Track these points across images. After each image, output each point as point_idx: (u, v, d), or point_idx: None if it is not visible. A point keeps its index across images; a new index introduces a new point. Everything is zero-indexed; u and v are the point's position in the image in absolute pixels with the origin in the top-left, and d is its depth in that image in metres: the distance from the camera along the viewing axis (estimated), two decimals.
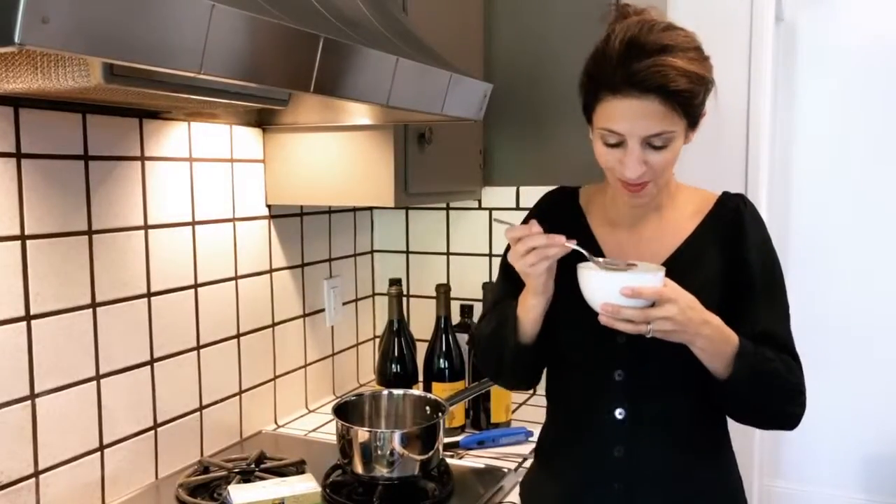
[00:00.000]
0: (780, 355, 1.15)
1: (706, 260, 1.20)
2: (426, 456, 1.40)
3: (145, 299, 1.46)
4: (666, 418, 1.18)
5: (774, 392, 1.15)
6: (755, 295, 1.18)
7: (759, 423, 1.27)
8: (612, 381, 1.18)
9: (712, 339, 1.09)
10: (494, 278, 2.03)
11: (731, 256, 1.19)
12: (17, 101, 1.20)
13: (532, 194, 2.04)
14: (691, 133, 1.17)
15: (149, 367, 1.47)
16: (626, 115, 1.09)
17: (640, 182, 1.14)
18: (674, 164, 1.16)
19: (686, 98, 1.08)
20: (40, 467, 1.27)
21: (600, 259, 1.13)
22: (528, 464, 1.59)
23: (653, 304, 1.05)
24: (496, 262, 2.10)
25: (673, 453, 1.19)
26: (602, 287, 1.07)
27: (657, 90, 1.06)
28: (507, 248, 1.36)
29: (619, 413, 1.18)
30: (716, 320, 1.10)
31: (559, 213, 1.30)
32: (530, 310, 1.19)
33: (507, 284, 1.28)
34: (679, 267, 1.17)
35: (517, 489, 1.47)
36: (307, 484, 1.28)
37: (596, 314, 1.08)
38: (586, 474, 1.22)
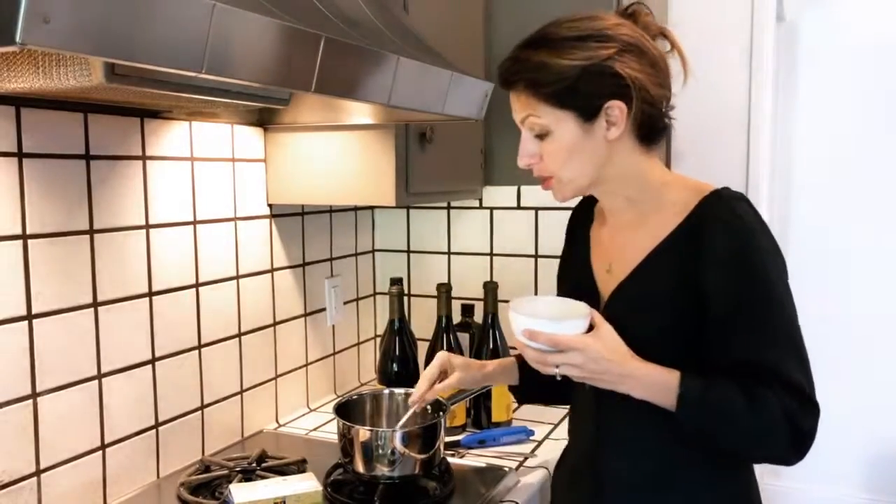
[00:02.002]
0: (758, 392, 1.04)
1: (662, 271, 1.12)
2: (427, 455, 1.40)
3: (147, 298, 1.46)
4: (636, 425, 1.14)
5: (730, 437, 1.08)
6: (721, 317, 1.06)
7: (737, 458, 1.16)
8: (584, 387, 1.18)
9: (640, 389, 1.07)
10: (496, 278, 2.04)
11: (687, 268, 1.08)
12: (18, 101, 1.20)
13: (533, 194, 2.04)
14: (602, 125, 1.09)
15: (150, 367, 1.47)
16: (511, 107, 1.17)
17: (538, 175, 1.17)
18: (576, 158, 1.11)
19: (536, 86, 1.10)
20: (42, 466, 1.27)
21: (548, 297, 1.20)
22: (529, 463, 1.60)
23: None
24: (497, 261, 2.10)
25: (646, 462, 1.14)
26: (514, 326, 1.11)
27: (504, 83, 1.15)
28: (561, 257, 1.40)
29: (592, 422, 1.20)
30: (642, 372, 1.06)
31: (578, 219, 1.35)
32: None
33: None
34: (640, 277, 1.14)
35: (518, 488, 1.48)
36: (308, 483, 1.28)
37: None
38: (569, 476, 1.26)
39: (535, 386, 1.37)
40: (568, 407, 1.35)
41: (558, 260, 1.38)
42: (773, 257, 1.09)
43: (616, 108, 1.09)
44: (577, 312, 1.11)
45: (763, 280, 1.07)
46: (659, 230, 1.14)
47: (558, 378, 1.08)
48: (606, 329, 1.07)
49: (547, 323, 1.07)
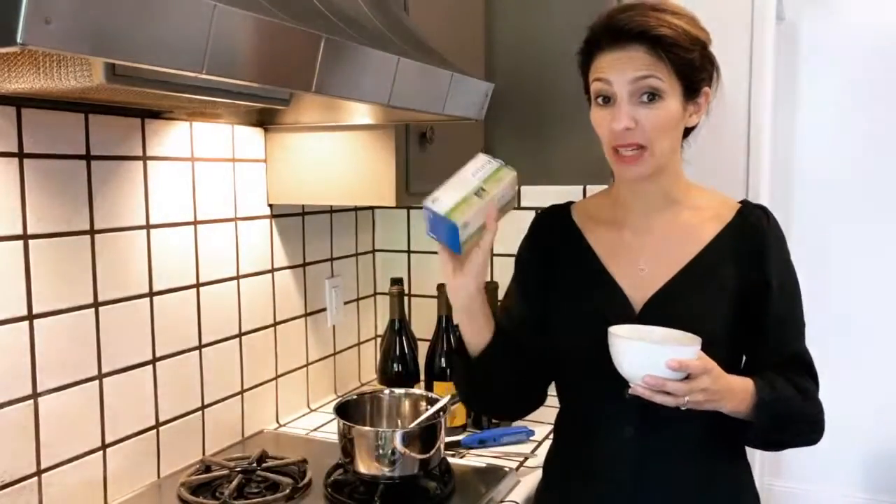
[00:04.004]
0: (801, 383, 1.13)
1: (722, 274, 1.15)
2: (427, 455, 1.40)
3: (147, 299, 1.46)
4: (677, 435, 1.15)
5: (795, 429, 1.15)
6: (777, 319, 1.15)
7: (779, 450, 1.26)
8: (623, 400, 1.11)
9: (735, 401, 1.07)
10: (496, 278, 2.04)
11: (751, 277, 1.15)
12: (19, 101, 1.20)
13: (533, 194, 2.04)
14: (692, 108, 1.13)
15: (151, 367, 1.48)
16: (613, 63, 1.10)
17: (632, 143, 1.10)
18: (672, 132, 1.12)
19: (672, 48, 1.07)
20: (42, 466, 1.27)
21: (623, 327, 1.08)
22: (529, 463, 1.60)
23: (687, 376, 1.01)
24: (497, 261, 2.10)
25: (684, 470, 1.16)
26: (644, 359, 1.02)
27: (639, 36, 1.08)
28: (519, 251, 1.36)
29: (628, 432, 1.16)
30: (737, 384, 1.07)
31: (554, 236, 1.29)
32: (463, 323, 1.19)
33: (516, 285, 1.32)
34: (694, 278, 1.15)
35: (518, 488, 1.48)
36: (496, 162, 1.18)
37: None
38: (597, 493, 1.19)
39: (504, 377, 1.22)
40: None
41: None
42: None
43: (705, 96, 1.15)
44: (668, 335, 1.07)
45: (798, 281, 1.19)
46: (698, 231, 1.18)
47: (683, 409, 1.03)
48: (701, 352, 1.05)
49: (688, 350, 1.01)
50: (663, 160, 1.13)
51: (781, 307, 1.15)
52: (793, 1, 2.71)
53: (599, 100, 1.13)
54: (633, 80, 1.09)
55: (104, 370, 1.37)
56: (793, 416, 1.12)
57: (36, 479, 1.26)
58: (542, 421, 1.82)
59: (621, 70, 1.09)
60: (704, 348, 1.04)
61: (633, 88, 1.09)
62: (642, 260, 1.18)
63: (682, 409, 1.03)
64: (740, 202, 1.22)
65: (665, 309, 1.11)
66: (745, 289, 1.14)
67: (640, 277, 1.18)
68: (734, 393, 1.07)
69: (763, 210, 1.20)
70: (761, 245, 1.16)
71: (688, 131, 1.19)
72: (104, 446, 1.38)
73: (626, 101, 1.10)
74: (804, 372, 1.16)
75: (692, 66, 1.10)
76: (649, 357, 1.01)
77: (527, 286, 1.30)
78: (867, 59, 2.69)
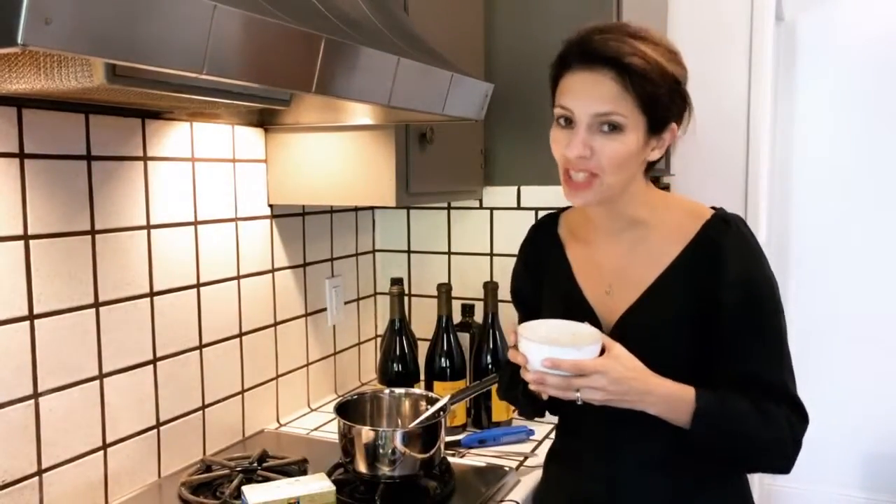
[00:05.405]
0: (765, 406, 1.09)
1: (677, 295, 1.13)
2: (428, 455, 1.41)
3: (148, 299, 1.46)
4: (644, 444, 1.15)
5: (742, 450, 1.10)
6: (733, 336, 1.10)
7: (737, 470, 1.21)
8: (591, 407, 1.13)
9: (661, 405, 1.07)
10: (496, 278, 2.04)
11: (705, 292, 1.11)
12: (20, 102, 1.21)
13: (533, 194, 2.05)
14: (655, 142, 1.10)
15: (151, 367, 1.48)
16: (578, 89, 1.08)
17: (582, 169, 1.08)
18: (628, 166, 1.09)
19: (640, 80, 1.03)
20: (43, 466, 1.27)
21: (550, 321, 1.14)
22: (529, 462, 1.60)
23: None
24: (497, 261, 2.10)
25: (654, 481, 1.16)
26: (530, 354, 1.07)
27: (608, 62, 1.04)
28: (512, 278, 1.38)
29: (598, 440, 1.18)
30: (663, 388, 1.06)
31: (539, 247, 1.31)
32: None
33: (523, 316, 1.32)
34: (654, 302, 1.14)
35: (518, 487, 1.48)
36: (321, 483, 1.28)
37: None
38: (574, 500, 1.22)
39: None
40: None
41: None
42: (774, 282, 1.14)
43: (671, 132, 1.11)
44: (586, 333, 1.10)
45: (771, 305, 1.12)
46: (661, 252, 1.16)
47: (579, 402, 1.06)
48: (620, 348, 1.06)
49: (569, 350, 1.05)
50: (614, 190, 1.11)
51: (739, 323, 1.10)
52: (792, 1, 2.71)
53: (561, 121, 1.11)
54: (594, 115, 1.06)
55: (105, 370, 1.38)
56: (741, 433, 1.08)
57: (36, 478, 1.26)
58: (542, 421, 1.82)
59: (585, 101, 1.06)
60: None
61: (593, 121, 1.07)
62: (609, 282, 1.19)
63: (578, 402, 1.06)
64: (713, 211, 1.17)
65: (631, 332, 1.12)
66: (700, 306, 1.12)
67: (607, 300, 1.19)
68: (654, 396, 1.06)
69: (727, 223, 1.14)
70: (716, 261, 1.11)
71: (652, 163, 1.17)
72: (105, 446, 1.39)
73: (585, 129, 1.07)
74: (781, 400, 1.10)
75: (659, 101, 1.06)
76: (535, 352, 1.07)
77: (529, 313, 1.30)
78: (866, 60, 2.69)
